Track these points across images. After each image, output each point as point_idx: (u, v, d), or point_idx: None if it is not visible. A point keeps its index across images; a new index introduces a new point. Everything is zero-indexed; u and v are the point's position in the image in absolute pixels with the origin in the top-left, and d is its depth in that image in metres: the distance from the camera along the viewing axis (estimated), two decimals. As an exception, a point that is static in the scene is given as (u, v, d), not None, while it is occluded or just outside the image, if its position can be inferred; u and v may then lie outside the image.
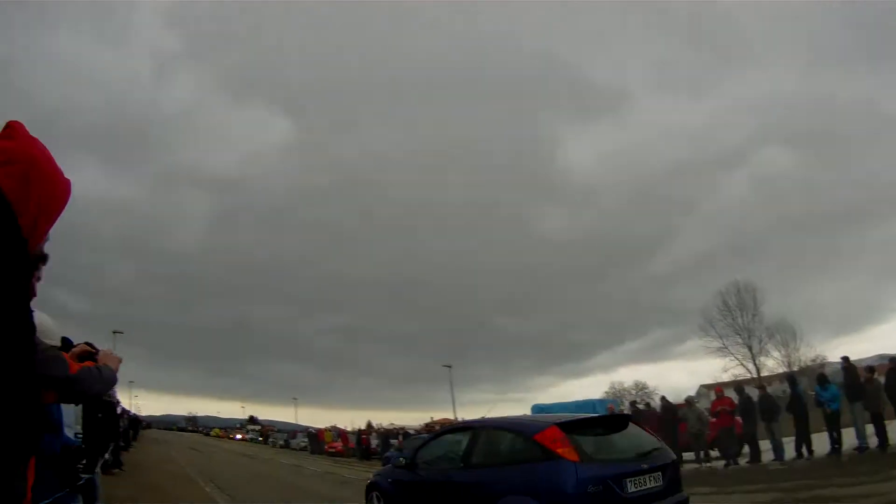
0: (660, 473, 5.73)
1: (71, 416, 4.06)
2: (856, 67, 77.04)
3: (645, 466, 5.68)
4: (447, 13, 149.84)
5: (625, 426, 6.52)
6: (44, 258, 1.93)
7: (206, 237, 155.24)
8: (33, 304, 1.80)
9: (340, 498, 13.42)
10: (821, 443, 12.75)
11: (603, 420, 7.13)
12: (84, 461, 3.72)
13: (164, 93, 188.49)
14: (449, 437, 7.84)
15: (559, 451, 5.56)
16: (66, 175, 1.48)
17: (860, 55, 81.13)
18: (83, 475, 3.97)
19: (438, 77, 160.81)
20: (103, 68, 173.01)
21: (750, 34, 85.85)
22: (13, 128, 1.41)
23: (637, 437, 6.41)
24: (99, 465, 5.66)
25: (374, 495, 7.95)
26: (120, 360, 2.35)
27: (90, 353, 2.25)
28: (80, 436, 4.31)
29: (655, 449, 6.14)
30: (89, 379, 2.04)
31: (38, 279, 1.91)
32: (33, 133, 1.43)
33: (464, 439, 6.99)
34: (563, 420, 6.11)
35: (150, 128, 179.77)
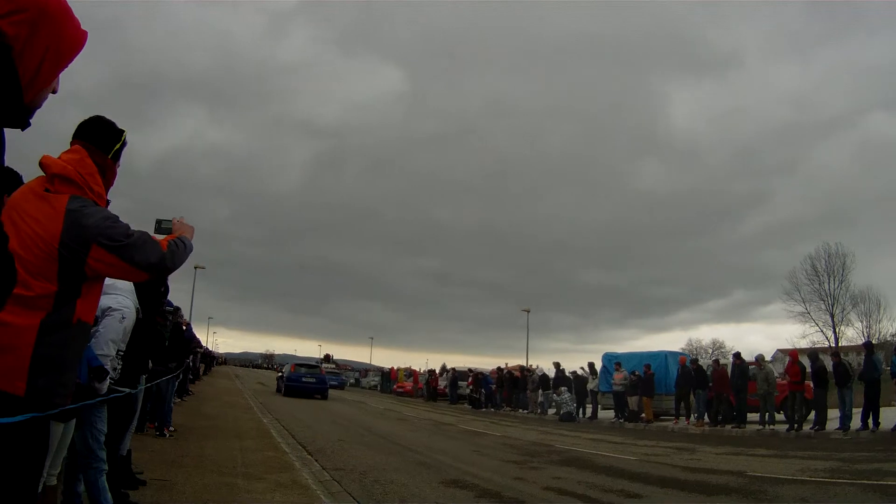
0: (314, 379, 26.30)
1: (118, 334, 4.09)
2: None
3: (309, 374, 26.74)
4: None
5: (316, 367, 29.39)
6: (122, 147, 2.24)
7: (305, 181, 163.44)
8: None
9: (390, 432, 13.92)
10: (890, 417, 12.65)
11: (312, 364, 30.66)
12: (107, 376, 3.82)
13: (277, 46, 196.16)
14: (287, 365, 32.81)
15: (292, 370, 27.56)
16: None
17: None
18: (119, 389, 4.27)
19: (548, 31, 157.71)
20: (217, 25, 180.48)
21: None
22: None
23: (315, 369, 28.21)
24: (141, 384, 5.70)
25: (278, 383, 29.68)
26: (193, 229, 2.42)
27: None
28: (122, 353, 4.25)
29: (318, 374, 27.14)
30: (177, 252, 2.13)
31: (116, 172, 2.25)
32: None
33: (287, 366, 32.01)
34: (296, 363, 29.47)
35: (260, 79, 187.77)
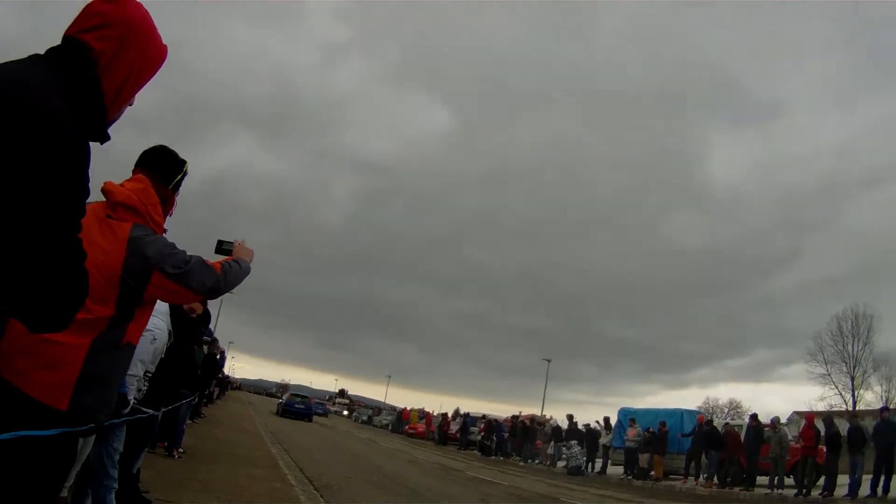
0: (303, 406, 34.33)
1: (148, 355, 4.07)
2: None
3: (300, 402, 34.67)
4: (603, 15, 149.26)
5: (307, 398, 36.79)
6: (183, 178, 2.30)
7: (348, 215, 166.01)
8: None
9: (399, 473, 13.69)
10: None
11: (304, 395, 37.51)
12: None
13: (330, 79, 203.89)
14: (286, 394, 42.33)
15: (288, 398, 36.55)
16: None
17: None
18: (143, 409, 4.27)
19: (589, 78, 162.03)
20: (273, 55, 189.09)
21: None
22: None
23: (305, 399, 36.14)
24: (161, 408, 5.59)
25: (278, 407, 37.77)
26: (252, 252, 2.43)
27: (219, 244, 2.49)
28: (150, 374, 4.21)
29: (307, 402, 35.39)
30: (230, 273, 2.18)
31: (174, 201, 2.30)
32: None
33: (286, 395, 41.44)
34: (292, 393, 39.41)
35: (311, 110, 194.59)
